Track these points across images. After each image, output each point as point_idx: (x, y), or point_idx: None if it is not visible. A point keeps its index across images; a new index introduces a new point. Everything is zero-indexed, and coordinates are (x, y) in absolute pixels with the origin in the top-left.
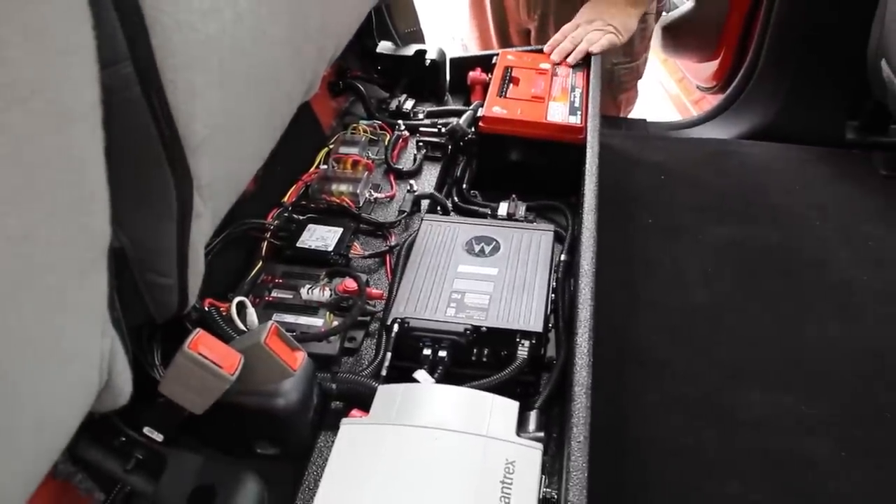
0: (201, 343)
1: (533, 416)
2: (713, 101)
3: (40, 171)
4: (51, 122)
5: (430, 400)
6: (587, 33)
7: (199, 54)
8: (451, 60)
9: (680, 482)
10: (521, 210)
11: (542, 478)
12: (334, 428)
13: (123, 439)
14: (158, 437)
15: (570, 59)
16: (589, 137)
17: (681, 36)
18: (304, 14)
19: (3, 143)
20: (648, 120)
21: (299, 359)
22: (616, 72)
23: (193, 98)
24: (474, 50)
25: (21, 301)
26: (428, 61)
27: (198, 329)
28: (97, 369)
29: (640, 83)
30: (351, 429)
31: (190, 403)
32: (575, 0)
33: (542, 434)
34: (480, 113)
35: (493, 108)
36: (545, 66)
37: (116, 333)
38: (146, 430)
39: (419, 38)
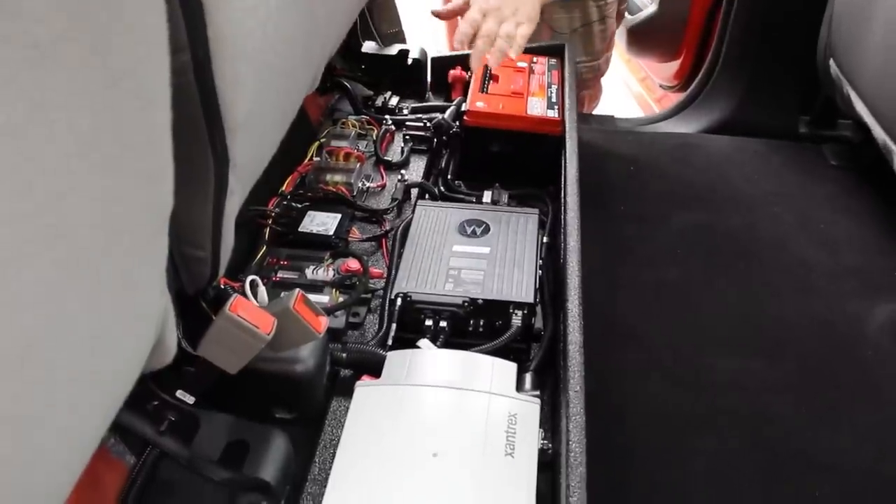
0: (240, 306)
1: (528, 377)
2: (675, 99)
3: (131, 143)
4: (140, 101)
5: (436, 362)
6: (499, 26)
7: (243, 46)
8: (433, 59)
9: (660, 440)
10: (504, 198)
11: (539, 431)
12: (345, 394)
13: (156, 403)
14: (190, 400)
15: (492, 63)
16: (567, 127)
17: (644, 37)
18: (312, 12)
19: (108, 118)
20: (616, 116)
21: (323, 323)
22: (577, 69)
23: (236, 86)
24: (445, 45)
25: (111, 256)
26: (410, 60)
27: (235, 294)
28: (154, 325)
29: (605, 84)
30: (365, 390)
31: (226, 364)
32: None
33: (538, 392)
34: (464, 108)
35: (477, 103)
36: (522, 64)
37: (170, 294)
38: (178, 392)
39: (401, 38)
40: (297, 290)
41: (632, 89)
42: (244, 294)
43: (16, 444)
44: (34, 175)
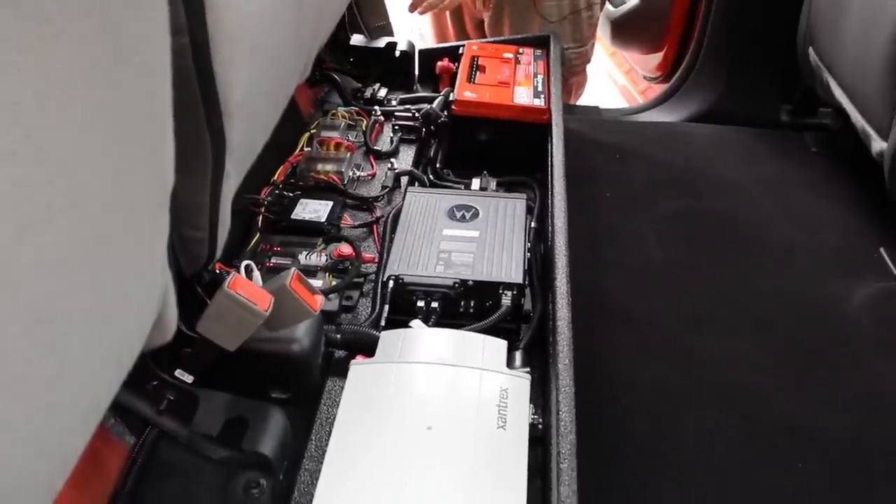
0: (238, 284)
1: (518, 355)
2: (658, 90)
3: (136, 119)
4: (145, 79)
5: (429, 341)
6: None
7: (239, 31)
8: (420, 52)
9: (649, 415)
10: (492, 185)
11: (529, 406)
12: (340, 374)
13: (155, 383)
14: (188, 379)
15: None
16: (553, 113)
17: (628, 30)
18: (304, 1)
19: (115, 93)
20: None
21: (319, 301)
22: (566, 56)
23: (234, 70)
24: (431, 39)
25: (117, 228)
26: (398, 52)
27: (233, 272)
28: (156, 300)
29: (590, 76)
30: (360, 368)
31: (225, 341)
32: None
33: (528, 368)
34: (452, 97)
35: (465, 92)
36: (508, 55)
37: (170, 272)
38: (177, 372)
39: (388, 31)
40: (293, 268)
41: (616, 81)
42: None
43: (29, 404)
44: (49, 144)
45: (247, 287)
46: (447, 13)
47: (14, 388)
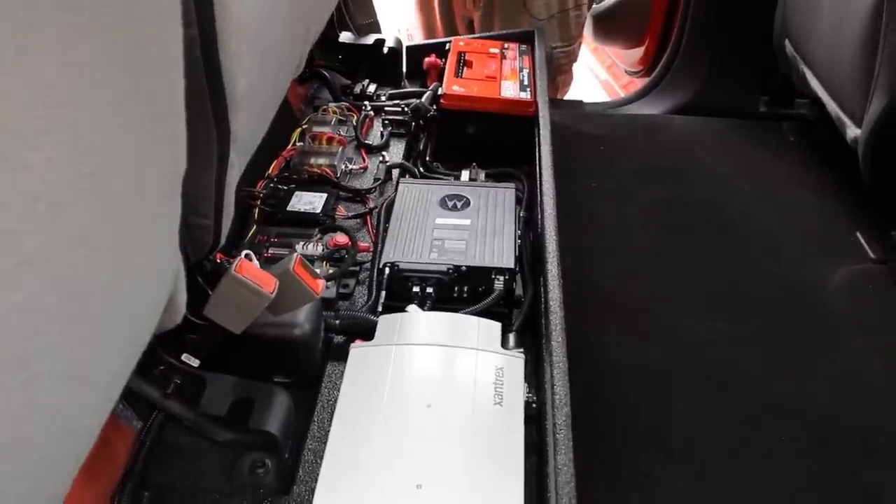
0: (244, 268)
1: (512, 336)
2: (640, 84)
3: (154, 105)
4: (160, 66)
5: (426, 323)
6: None
7: (244, 24)
8: (408, 48)
9: (639, 393)
10: (481, 176)
11: (524, 384)
12: (339, 359)
13: (163, 367)
14: (195, 363)
15: None
16: (539, 105)
17: (610, 25)
18: None
19: (135, 81)
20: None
21: (321, 284)
22: (554, 55)
23: (239, 62)
24: (420, 39)
25: (135, 210)
26: (386, 49)
27: (240, 256)
28: (168, 281)
29: (574, 69)
30: (360, 351)
31: (231, 324)
32: None
33: (521, 349)
34: (441, 92)
35: (453, 86)
36: (494, 50)
37: (181, 255)
38: (184, 357)
39: (376, 28)
40: (296, 253)
41: (599, 76)
42: None
43: (58, 377)
44: (78, 126)
45: (253, 271)
46: (437, 13)
47: (45, 360)
